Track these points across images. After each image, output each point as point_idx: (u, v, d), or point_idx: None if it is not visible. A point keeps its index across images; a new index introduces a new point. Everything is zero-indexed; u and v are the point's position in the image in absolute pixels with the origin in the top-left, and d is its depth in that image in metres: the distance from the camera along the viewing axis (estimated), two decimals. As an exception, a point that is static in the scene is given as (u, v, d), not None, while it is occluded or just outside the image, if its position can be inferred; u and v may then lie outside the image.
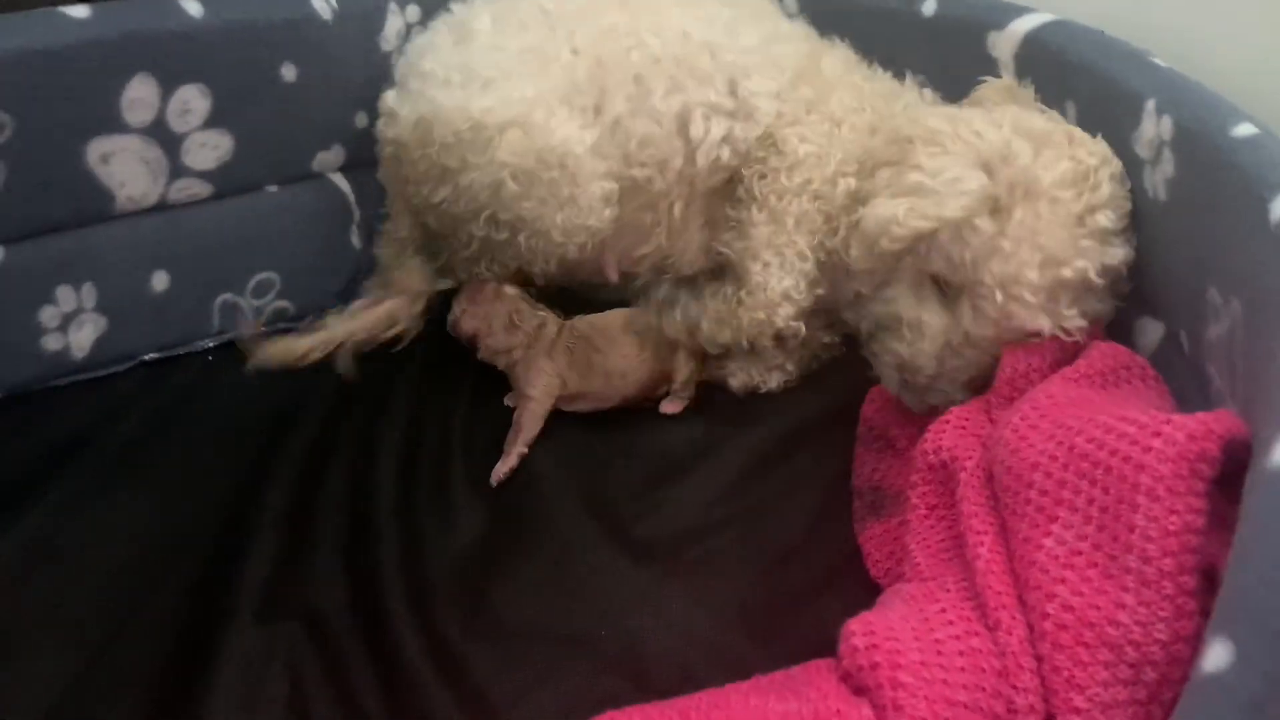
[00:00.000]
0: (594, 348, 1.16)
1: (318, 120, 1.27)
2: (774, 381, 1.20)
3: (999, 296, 0.92)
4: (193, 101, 1.13)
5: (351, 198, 1.34)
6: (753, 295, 1.16)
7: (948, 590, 0.80)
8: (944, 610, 0.77)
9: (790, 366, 1.21)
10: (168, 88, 1.11)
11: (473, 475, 1.09)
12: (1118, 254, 0.93)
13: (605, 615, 0.93)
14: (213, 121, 1.16)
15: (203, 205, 1.22)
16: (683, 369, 1.19)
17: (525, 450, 1.11)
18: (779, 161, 1.15)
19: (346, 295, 1.35)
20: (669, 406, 1.18)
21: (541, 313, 1.19)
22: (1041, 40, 1.13)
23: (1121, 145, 0.98)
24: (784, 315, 1.16)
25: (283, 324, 1.31)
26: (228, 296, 1.27)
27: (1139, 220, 0.97)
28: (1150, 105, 0.94)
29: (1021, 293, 0.91)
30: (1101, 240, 0.92)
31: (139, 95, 1.09)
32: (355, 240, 1.36)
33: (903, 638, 0.73)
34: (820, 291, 1.17)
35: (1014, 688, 0.71)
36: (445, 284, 1.29)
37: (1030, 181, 0.92)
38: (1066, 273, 0.91)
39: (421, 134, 1.14)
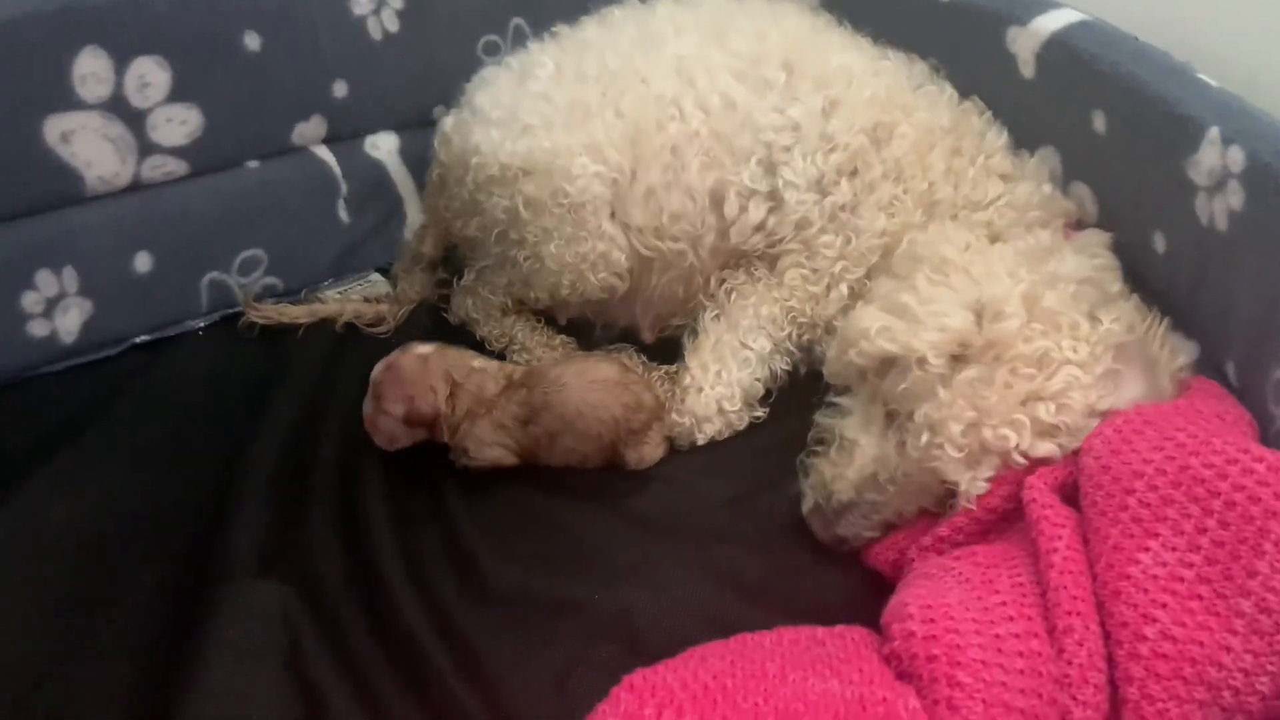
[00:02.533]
0: (555, 415, 1.03)
1: (291, 90, 1.22)
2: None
3: (924, 438, 0.87)
4: (151, 75, 1.10)
5: (337, 171, 1.30)
6: (686, 396, 1.10)
7: (1003, 578, 0.76)
8: (1004, 604, 0.73)
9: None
10: (121, 60, 1.07)
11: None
12: (1043, 449, 0.85)
13: (598, 583, 0.91)
14: (177, 95, 1.13)
15: (180, 183, 1.19)
16: (650, 401, 1.07)
17: None
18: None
19: (336, 269, 1.33)
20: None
21: (476, 363, 1.07)
22: (1068, 42, 1.05)
23: (1169, 166, 0.93)
24: (709, 431, 1.09)
25: (273, 299, 1.28)
26: (214, 275, 1.24)
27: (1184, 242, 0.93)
28: (1214, 133, 0.88)
29: (943, 443, 0.86)
30: (1036, 429, 0.85)
31: (91, 69, 1.05)
32: (343, 214, 1.32)
33: (964, 630, 0.70)
34: (757, 414, 1.11)
35: (1074, 699, 0.68)
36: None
37: (1003, 346, 0.86)
38: (990, 440, 0.85)
39: (461, 172, 1.15)
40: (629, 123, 1.10)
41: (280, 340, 1.23)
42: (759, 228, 1.11)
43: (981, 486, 0.86)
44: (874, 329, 0.92)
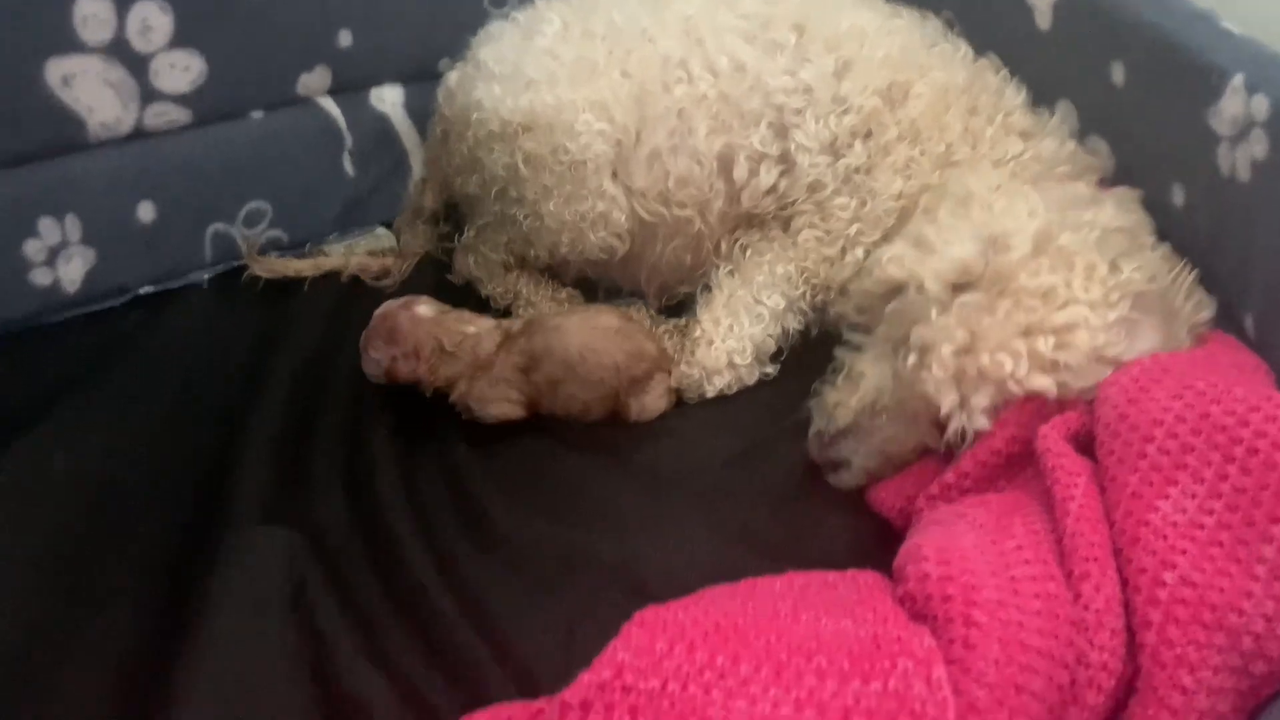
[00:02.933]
0: (556, 360, 1.02)
1: (295, 39, 1.20)
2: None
3: (912, 359, 0.87)
4: (153, 19, 1.07)
5: (342, 123, 1.28)
6: (696, 348, 1.09)
7: (1018, 525, 0.75)
8: (1020, 548, 0.72)
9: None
10: (122, 3, 1.05)
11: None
12: (1040, 383, 0.83)
13: (606, 535, 0.91)
14: (179, 41, 1.10)
15: (184, 132, 1.17)
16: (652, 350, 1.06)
17: None
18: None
19: (341, 223, 1.31)
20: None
21: (471, 329, 1.05)
22: None
23: (1190, 117, 0.91)
24: (718, 384, 1.08)
25: (277, 253, 1.27)
26: (219, 226, 1.22)
27: (1203, 194, 0.91)
28: (1238, 81, 0.87)
29: (932, 362, 0.85)
30: (1033, 361, 0.83)
31: (91, 11, 1.03)
32: (348, 167, 1.30)
33: (979, 571, 0.69)
34: (768, 371, 1.10)
35: (1090, 643, 0.67)
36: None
37: (1008, 279, 0.84)
38: (986, 365, 0.83)
39: (463, 128, 1.13)
40: (635, 83, 1.07)
41: (285, 293, 1.22)
42: (770, 191, 1.09)
43: (981, 421, 0.84)
44: (887, 256, 0.92)
